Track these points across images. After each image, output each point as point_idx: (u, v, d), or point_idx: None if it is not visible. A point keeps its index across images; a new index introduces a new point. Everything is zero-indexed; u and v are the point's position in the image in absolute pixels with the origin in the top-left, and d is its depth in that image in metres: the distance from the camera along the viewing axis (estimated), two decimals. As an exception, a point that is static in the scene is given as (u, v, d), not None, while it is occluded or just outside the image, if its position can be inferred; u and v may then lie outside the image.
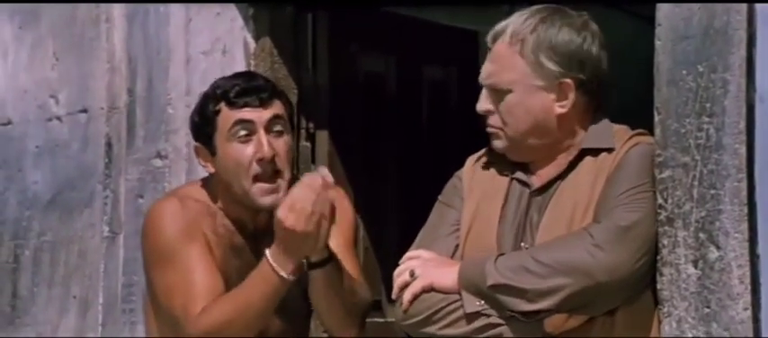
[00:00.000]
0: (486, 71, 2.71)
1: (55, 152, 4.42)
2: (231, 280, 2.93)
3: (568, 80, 2.65)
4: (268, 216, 2.93)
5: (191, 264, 2.87)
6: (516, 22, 2.70)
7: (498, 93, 2.70)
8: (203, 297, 2.83)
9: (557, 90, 2.66)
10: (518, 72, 2.67)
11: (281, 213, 2.73)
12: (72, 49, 4.40)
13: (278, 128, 2.91)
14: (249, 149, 2.88)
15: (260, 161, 2.87)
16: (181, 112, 4.10)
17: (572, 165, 2.71)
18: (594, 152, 2.71)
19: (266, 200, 2.89)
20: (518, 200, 2.73)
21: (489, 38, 2.73)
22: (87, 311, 4.26)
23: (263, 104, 2.89)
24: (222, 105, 2.91)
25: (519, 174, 2.75)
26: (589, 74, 2.67)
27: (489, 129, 2.73)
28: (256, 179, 2.89)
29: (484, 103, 2.71)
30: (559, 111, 2.67)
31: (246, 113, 2.88)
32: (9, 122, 4.58)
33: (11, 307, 4.50)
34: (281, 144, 2.90)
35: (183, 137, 4.07)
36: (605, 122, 2.76)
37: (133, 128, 4.19)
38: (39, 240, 4.45)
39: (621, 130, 2.75)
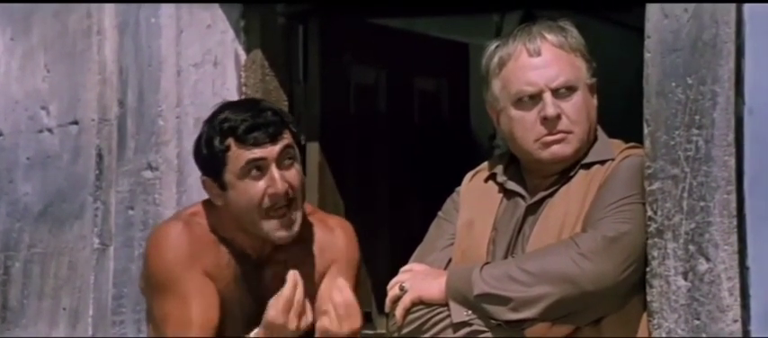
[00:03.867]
0: (549, 75, 2.70)
1: (46, 163, 4.41)
2: (233, 309, 2.94)
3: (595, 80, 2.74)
4: (271, 247, 2.94)
5: (187, 296, 2.87)
6: (550, 28, 2.73)
7: (566, 94, 2.70)
8: (196, 332, 2.85)
9: (593, 91, 2.74)
10: (580, 70, 2.72)
11: (273, 315, 2.78)
12: (63, 61, 4.39)
13: (288, 158, 2.88)
14: (261, 185, 2.85)
15: (272, 196, 2.85)
16: (171, 124, 4.09)
17: (568, 178, 2.72)
18: (587, 164, 2.72)
19: (281, 234, 2.87)
20: (513, 213, 2.74)
21: (530, 48, 2.71)
22: (77, 323, 4.25)
23: (273, 139, 2.85)
24: (231, 141, 2.85)
25: (515, 187, 2.76)
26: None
27: (556, 136, 2.70)
28: (269, 212, 2.86)
29: (554, 107, 2.68)
30: (594, 113, 2.74)
31: (258, 152, 2.84)
32: (0, 134, 4.57)
33: (0, 319, 4.49)
34: (293, 174, 2.88)
35: (173, 149, 4.07)
36: (602, 134, 2.77)
37: (124, 139, 4.18)
38: (29, 252, 4.44)
39: (616, 144, 2.76)
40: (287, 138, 2.88)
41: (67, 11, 4.37)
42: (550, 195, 2.72)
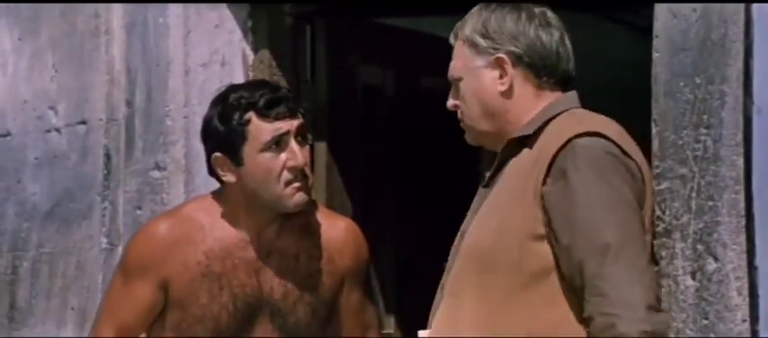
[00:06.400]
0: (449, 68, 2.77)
1: (54, 163, 4.42)
2: (234, 294, 2.96)
3: (502, 55, 2.66)
4: (274, 234, 2.97)
5: (124, 295, 3.01)
6: (469, 15, 2.74)
7: (455, 85, 2.74)
8: (111, 327, 3.02)
9: (496, 67, 2.67)
10: (462, 58, 2.72)
11: None
12: (71, 61, 4.40)
13: (302, 136, 2.94)
14: (282, 157, 2.90)
15: (292, 168, 2.90)
16: (179, 124, 4.10)
17: (510, 154, 2.67)
18: (513, 140, 2.65)
19: (297, 198, 2.91)
20: (479, 198, 2.75)
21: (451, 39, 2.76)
22: (85, 323, 4.25)
23: (292, 114, 2.92)
24: (252, 115, 2.90)
25: (485, 172, 2.77)
26: (525, 47, 2.65)
27: (462, 124, 2.76)
28: (286, 184, 2.91)
29: (450, 100, 2.76)
30: (501, 88, 2.67)
31: (281, 125, 2.89)
32: (8, 134, 4.58)
33: (9, 319, 4.50)
34: (307, 151, 2.95)
35: (181, 149, 4.08)
36: (548, 109, 2.65)
37: (132, 139, 4.19)
38: (37, 252, 4.44)
39: (570, 123, 2.60)
40: (301, 116, 2.95)
41: (75, 11, 4.37)
42: (498, 171, 2.70)
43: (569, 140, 2.54)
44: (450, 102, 2.75)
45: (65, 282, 4.36)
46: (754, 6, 2.55)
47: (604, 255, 2.45)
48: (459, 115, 2.74)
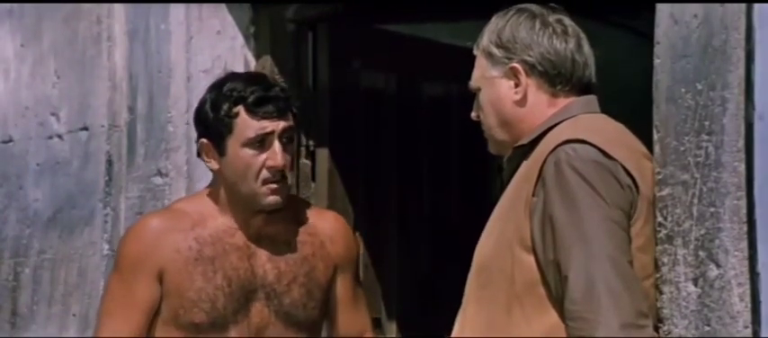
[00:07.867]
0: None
1: (55, 170, 4.42)
2: (228, 277, 2.99)
3: (516, 64, 2.66)
4: (262, 222, 3.02)
5: (122, 295, 3.03)
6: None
7: (476, 96, 2.74)
8: (111, 332, 3.03)
9: (511, 76, 2.67)
10: (480, 68, 2.72)
11: None
12: (73, 67, 4.40)
13: (287, 138, 2.99)
14: (262, 156, 2.95)
15: (271, 168, 2.95)
16: (181, 130, 4.10)
17: (517, 164, 2.67)
18: (531, 149, 2.64)
19: (271, 200, 2.96)
20: None
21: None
22: (87, 329, 4.25)
23: (281, 114, 2.96)
24: (241, 109, 2.95)
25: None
26: (538, 56, 2.64)
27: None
28: (263, 182, 2.96)
29: (473, 111, 2.76)
30: (515, 97, 2.67)
31: (266, 124, 2.95)
32: (10, 140, 4.58)
33: (10, 325, 4.50)
34: (289, 154, 2.99)
35: (183, 155, 4.08)
36: (553, 117, 2.64)
37: (134, 145, 4.19)
38: (39, 258, 4.44)
39: (566, 130, 2.60)
40: (290, 119, 2.99)
41: (77, 17, 4.38)
42: (508, 181, 2.70)
43: (554, 149, 2.54)
44: (473, 113, 2.76)
45: (66, 288, 4.36)
46: (756, 12, 2.55)
47: (578, 273, 2.45)
48: (482, 125, 2.74)
